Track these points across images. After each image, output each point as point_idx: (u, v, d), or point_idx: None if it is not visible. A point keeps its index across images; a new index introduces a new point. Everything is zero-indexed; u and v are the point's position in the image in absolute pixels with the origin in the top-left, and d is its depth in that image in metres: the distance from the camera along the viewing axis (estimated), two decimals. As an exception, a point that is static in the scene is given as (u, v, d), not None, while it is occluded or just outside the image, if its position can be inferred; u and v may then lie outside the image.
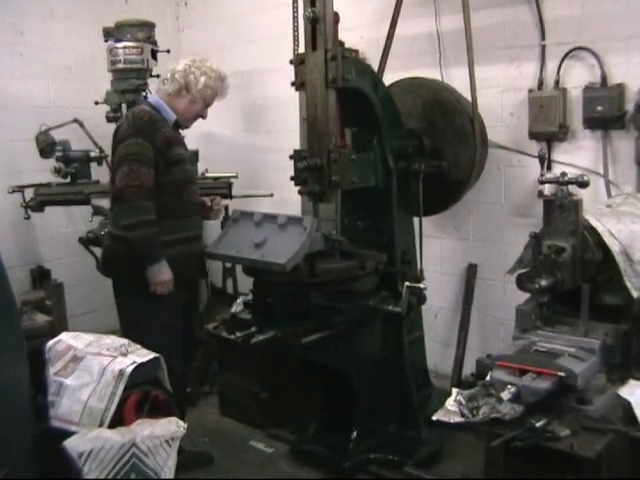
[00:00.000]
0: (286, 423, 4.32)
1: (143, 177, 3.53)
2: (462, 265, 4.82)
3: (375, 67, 4.37)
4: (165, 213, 3.60)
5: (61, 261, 5.55)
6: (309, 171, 3.48)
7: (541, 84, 4.26)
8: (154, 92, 3.89)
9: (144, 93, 4.99)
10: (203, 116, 3.88)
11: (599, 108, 4.00)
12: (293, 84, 3.60)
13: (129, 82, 4.94)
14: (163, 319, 3.65)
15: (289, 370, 4.17)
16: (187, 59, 3.82)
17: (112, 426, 2.69)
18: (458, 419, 2.65)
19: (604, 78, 4.00)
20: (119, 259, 3.69)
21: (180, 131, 3.88)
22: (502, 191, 4.57)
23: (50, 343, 2.99)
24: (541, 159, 3.37)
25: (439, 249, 4.84)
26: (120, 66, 4.98)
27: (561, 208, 2.97)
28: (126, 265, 3.64)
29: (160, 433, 2.65)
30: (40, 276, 5.39)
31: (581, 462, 2.48)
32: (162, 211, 3.59)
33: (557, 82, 4.19)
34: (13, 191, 4.85)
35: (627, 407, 2.64)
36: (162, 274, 3.60)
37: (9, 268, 2.74)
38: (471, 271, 4.75)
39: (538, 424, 2.52)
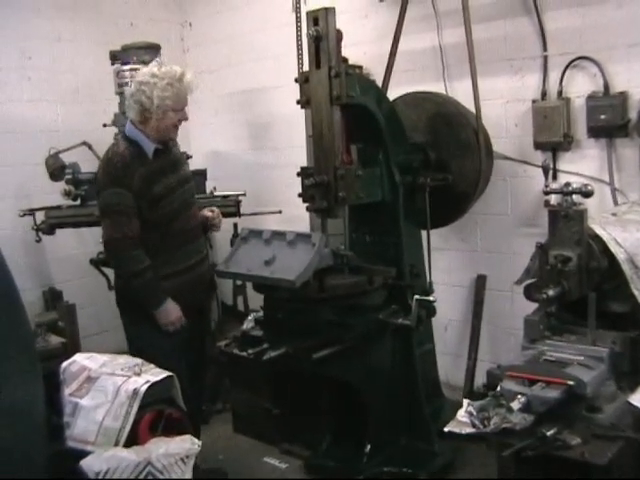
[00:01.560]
0: (299, 439, 4.33)
1: (125, 228, 3.51)
2: (471, 276, 4.84)
3: (379, 83, 4.41)
4: (160, 247, 3.61)
5: (73, 282, 5.59)
6: (316, 188, 3.52)
7: (544, 94, 4.29)
8: (128, 121, 3.71)
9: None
10: (182, 120, 3.68)
11: (602, 117, 4.03)
12: (298, 102, 3.64)
13: (136, 104, 4.98)
14: (169, 342, 3.64)
15: (300, 385, 4.19)
16: (138, 77, 3.62)
17: (127, 445, 2.70)
18: (469, 430, 2.66)
19: (606, 87, 4.03)
20: (119, 289, 3.76)
21: (174, 148, 3.82)
22: (508, 202, 4.59)
23: (64, 364, 3.01)
24: (545, 169, 3.40)
25: (447, 261, 4.85)
26: (127, 88, 5.03)
27: (566, 218, 2.98)
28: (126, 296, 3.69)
29: (175, 451, 2.67)
30: (52, 298, 5.44)
31: (593, 470, 2.48)
32: (157, 246, 3.60)
33: (560, 92, 4.22)
34: (24, 214, 4.88)
35: (637, 414, 2.65)
36: (169, 315, 3.61)
37: (22, 290, 2.76)
38: (480, 282, 4.77)
39: (549, 433, 2.53)
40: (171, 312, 3.61)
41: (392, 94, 4.32)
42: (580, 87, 4.18)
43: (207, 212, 3.91)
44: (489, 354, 4.75)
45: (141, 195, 3.52)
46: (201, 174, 5.23)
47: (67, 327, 4.69)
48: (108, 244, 3.64)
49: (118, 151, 3.58)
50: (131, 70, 4.99)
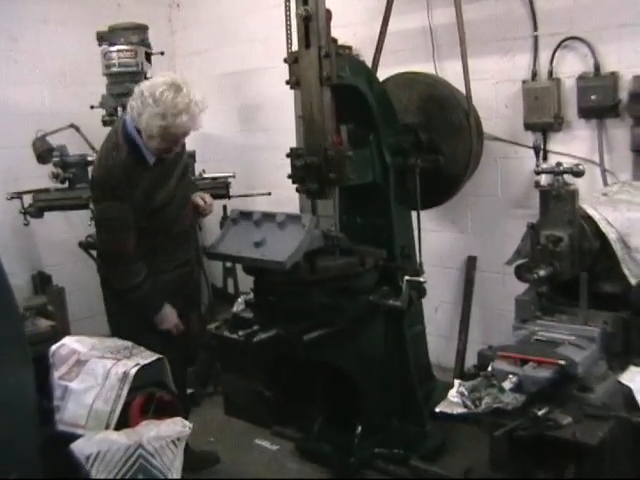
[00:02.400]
0: (291, 421, 4.33)
1: (124, 244, 3.42)
2: (461, 258, 4.84)
3: (369, 63, 4.38)
4: (160, 249, 3.57)
5: (62, 266, 5.55)
6: (306, 169, 3.50)
7: (535, 75, 4.28)
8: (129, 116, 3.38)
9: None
10: (171, 150, 3.42)
11: (593, 97, 4.02)
12: (288, 83, 3.61)
13: (124, 85, 4.93)
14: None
15: (292, 368, 4.18)
16: (142, 85, 3.32)
17: (118, 428, 2.70)
18: (461, 410, 2.66)
19: (597, 67, 4.02)
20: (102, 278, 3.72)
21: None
22: (499, 183, 4.59)
23: (54, 347, 3.01)
24: (536, 149, 3.38)
25: (438, 243, 4.84)
26: (115, 70, 4.99)
27: (557, 198, 2.98)
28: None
29: (166, 434, 2.66)
30: (41, 282, 5.40)
31: (584, 449, 2.49)
32: (157, 248, 3.55)
33: (551, 73, 4.21)
34: (12, 197, 4.84)
35: (628, 394, 2.66)
36: (166, 322, 3.60)
37: (10, 274, 2.75)
38: (471, 264, 4.77)
39: (540, 413, 2.53)
40: (169, 319, 3.61)
41: (382, 75, 4.29)
42: (571, 68, 4.16)
43: (198, 200, 3.78)
44: (480, 336, 4.76)
45: (142, 208, 3.41)
46: (190, 156, 5.18)
47: (56, 311, 4.66)
48: (105, 258, 3.60)
49: (120, 160, 3.33)
50: (118, 51, 4.95)
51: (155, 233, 3.52)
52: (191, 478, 3.13)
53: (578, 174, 3.00)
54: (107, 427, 2.72)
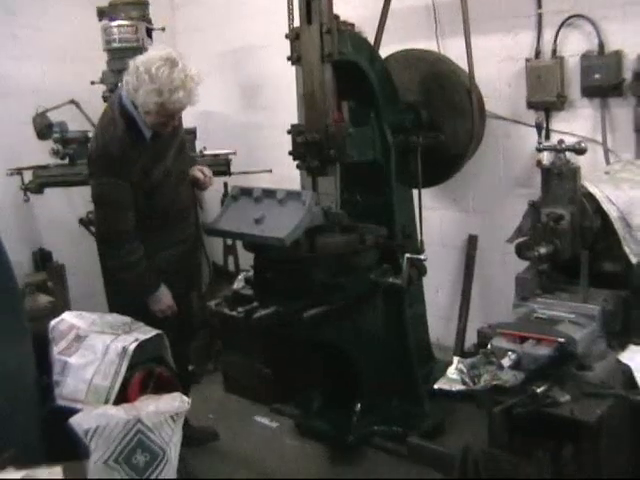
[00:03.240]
0: (290, 398, 4.34)
1: (121, 222, 3.41)
2: (462, 237, 4.82)
3: (371, 41, 4.34)
4: (160, 227, 3.57)
5: (62, 243, 5.53)
6: (307, 146, 3.49)
7: (538, 53, 4.24)
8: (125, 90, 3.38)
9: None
10: (167, 125, 3.40)
11: (597, 76, 3.98)
12: (289, 59, 3.58)
13: (124, 61, 4.79)
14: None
15: (291, 346, 4.19)
16: (137, 60, 3.30)
17: (117, 404, 2.71)
18: (459, 387, 2.66)
19: (601, 46, 3.98)
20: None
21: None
22: (501, 162, 4.56)
23: (53, 323, 3.01)
24: (538, 127, 3.35)
25: (439, 222, 4.83)
26: (115, 45, 4.97)
27: (559, 176, 2.96)
28: None
29: (164, 409, 2.66)
30: (42, 259, 5.40)
31: (582, 427, 2.49)
32: (156, 227, 3.55)
33: (554, 51, 4.17)
34: (11, 173, 4.84)
35: (627, 372, 2.65)
36: (160, 303, 3.60)
37: (11, 251, 2.75)
38: (471, 243, 4.75)
39: (539, 390, 2.53)
40: (162, 300, 3.61)
41: (384, 52, 4.25)
42: (574, 46, 4.12)
43: (197, 173, 3.79)
44: (480, 315, 4.75)
45: (139, 185, 3.40)
46: (191, 133, 5.17)
47: (56, 287, 4.67)
48: (101, 237, 3.59)
49: (116, 135, 3.33)
50: (119, 27, 4.92)
51: (154, 211, 3.51)
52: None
53: (580, 151, 2.98)
54: (106, 402, 2.72)
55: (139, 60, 3.29)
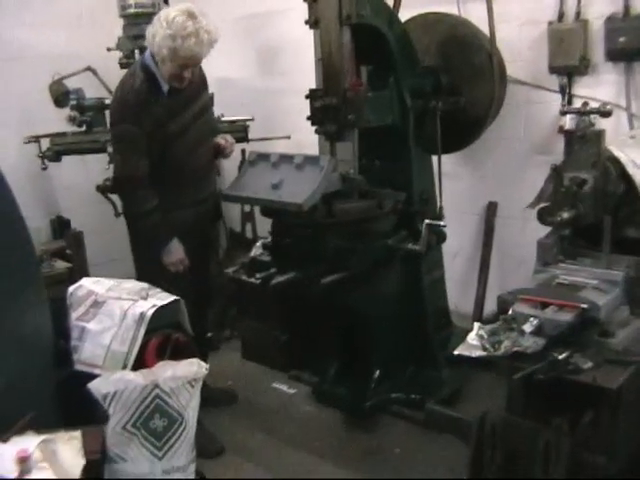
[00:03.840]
0: (307, 365, 4.35)
1: (133, 167, 3.53)
2: (481, 204, 4.76)
3: (390, 4, 4.26)
4: (173, 183, 3.62)
5: (80, 211, 5.55)
6: (325, 110, 3.44)
7: (561, 16, 4.14)
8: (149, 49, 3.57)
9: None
10: (181, 77, 3.51)
11: (622, 39, 3.87)
12: (307, 22, 3.53)
13: (140, 27, 4.83)
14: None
15: (309, 312, 4.18)
16: (160, 13, 3.50)
17: (134, 369, 2.72)
18: (480, 353, 2.63)
19: (627, 8, 3.87)
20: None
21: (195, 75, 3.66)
22: (521, 128, 4.47)
23: (71, 289, 3.02)
24: (562, 90, 3.28)
25: (458, 188, 4.76)
26: (131, 11, 4.92)
27: (582, 139, 2.90)
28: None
29: (182, 374, 2.67)
30: (60, 226, 5.41)
31: (603, 394, 2.47)
32: (169, 182, 3.60)
33: (578, 14, 4.06)
34: (29, 141, 4.83)
35: (650, 339, 2.63)
36: (172, 255, 3.66)
37: (29, 219, 2.77)
38: (491, 209, 4.70)
39: (560, 357, 2.50)
40: (173, 253, 3.66)
41: (404, 16, 4.17)
42: (599, 8, 4.00)
43: (220, 140, 3.90)
44: (498, 282, 4.71)
45: (153, 136, 3.50)
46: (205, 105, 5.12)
47: (74, 254, 4.68)
48: (116, 181, 3.73)
49: (134, 87, 3.50)
50: (134, -8, 4.88)
51: (168, 166, 3.57)
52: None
53: (606, 114, 2.92)
54: (124, 367, 2.73)
55: (162, 11, 3.50)
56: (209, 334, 4.51)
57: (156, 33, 3.40)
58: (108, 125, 3.81)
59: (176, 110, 3.58)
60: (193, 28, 3.36)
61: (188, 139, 3.63)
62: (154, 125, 3.49)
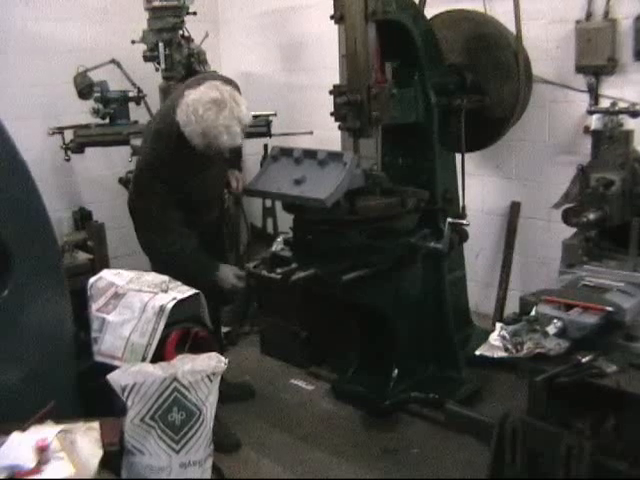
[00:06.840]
0: (326, 362, 4.34)
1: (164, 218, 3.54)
2: (504, 204, 4.72)
3: (416, 0, 4.24)
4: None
5: (102, 203, 5.56)
6: (349, 107, 3.42)
7: (589, 15, 4.08)
8: None
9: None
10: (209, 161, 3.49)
11: (651, 39, 3.84)
12: (332, 17, 3.51)
13: (165, 20, 4.86)
14: None
15: (329, 309, 4.17)
16: (188, 97, 3.31)
17: (154, 362, 2.72)
18: (502, 354, 2.60)
19: (656, 7, 3.84)
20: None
21: None
22: (546, 128, 4.43)
23: (92, 280, 3.03)
24: (590, 89, 3.24)
25: (481, 187, 4.73)
26: (156, 4, 4.90)
27: (610, 140, 2.87)
28: None
29: (201, 368, 2.67)
30: (82, 218, 5.43)
31: (627, 399, 2.43)
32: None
33: (606, 13, 4.01)
34: (53, 133, 4.85)
35: (676, 344, 2.58)
36: (226, 281, 3.66)
37: (51, 211, 2.78)
38: (514, 209, 4.66)
39: (584, 360, 2.47)
40: (225, 279, 3.65)
41: (429, 13, 4.15)
42: (627, 7, 3.95)
43: (232, 180, 3.82)
44: (520, 283, 4.67)
45: (174, 188, 3.49)
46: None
47: (96, 246, 4.69)
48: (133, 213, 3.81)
49: (171, 137, 3.41)
50: (159, -14, 4.87)
51: (178, 198, 3.54)
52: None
53: (635, 114, 2.88)
54: (143, 360, 2.74)
55: (190, 98, 3.31)
56: (227, 329, 4.50)
57: (186, 125, 3.29)
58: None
59: (203, 161, 3.50)
60: (224, 122, 3.25)
61: (204, 179, 3.60)
62: (177, 180, 3.48)
